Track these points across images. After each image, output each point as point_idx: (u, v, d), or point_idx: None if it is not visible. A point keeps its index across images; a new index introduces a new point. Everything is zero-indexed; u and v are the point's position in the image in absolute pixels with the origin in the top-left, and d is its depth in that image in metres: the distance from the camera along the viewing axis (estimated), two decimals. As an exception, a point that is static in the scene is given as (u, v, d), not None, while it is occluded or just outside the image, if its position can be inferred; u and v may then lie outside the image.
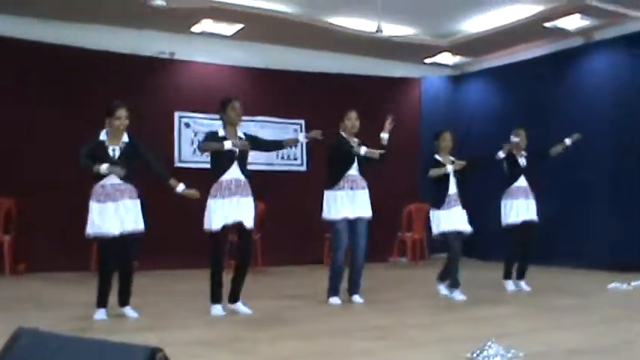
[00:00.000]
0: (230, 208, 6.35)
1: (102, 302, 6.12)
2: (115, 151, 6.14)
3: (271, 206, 10.77)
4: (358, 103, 12.00)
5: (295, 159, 11.89)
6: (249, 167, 10.65)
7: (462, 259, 7.74)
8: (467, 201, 7.76)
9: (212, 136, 6.58)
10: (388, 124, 7.41)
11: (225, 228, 6.34)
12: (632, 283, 8.28)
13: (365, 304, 7.07)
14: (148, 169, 6.32)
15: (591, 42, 10.85)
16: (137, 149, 6.25)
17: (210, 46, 11.39)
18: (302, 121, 11.93)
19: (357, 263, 7.23)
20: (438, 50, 12.15)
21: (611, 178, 10.39)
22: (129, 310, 6.28)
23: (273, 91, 11.74)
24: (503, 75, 12.33)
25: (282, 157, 11.66)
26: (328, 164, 7.32)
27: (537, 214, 8.20)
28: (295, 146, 11.22)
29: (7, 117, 9.68)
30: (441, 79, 13.27)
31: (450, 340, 5.20)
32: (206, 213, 6.39)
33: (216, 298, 6.43)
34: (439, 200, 7.61)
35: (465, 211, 7.65)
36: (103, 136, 6.18)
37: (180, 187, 6.23)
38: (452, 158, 7.82)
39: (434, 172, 7.57)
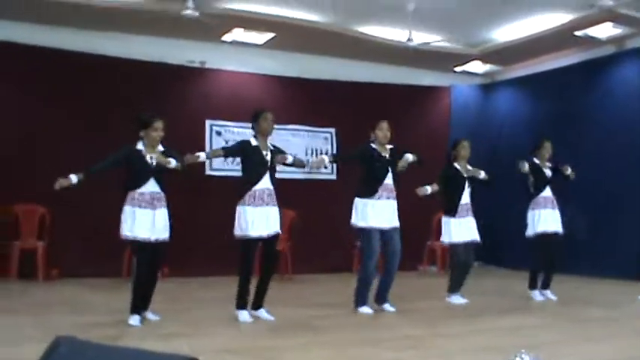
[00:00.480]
0: (263, 218, 6.43)
1: (136, 308, 6.22)
2: (152, 159, 6.26)
3: (301, 214, 10.83)
4: (388, 111, 12.10)
5: (326, 167, 11.92)
6: (279, 176, 10.86)
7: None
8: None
9: (243, 144, 6.68)
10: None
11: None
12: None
13: (395, 314, 7.09)
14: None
15: (623, 50, 10.77)
16: (171, 155, 6.35)
17: (241, 54, 11.49)
18: (332, 130, 12.01)
19: (392, 270, 7.21)
20: (469, 59, 12.14)
21: (641, 188, 10.29)
22: (150, 314, 6.41)
23: (304, 100, 11.82)
24: (533, 83, 12.28)
25: (312, 166, 11.69)
26: (362, 173, 7.28)
27: (563, 225, 8.18)
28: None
29: (42, 125, 9.88)
30: (471, 87, 13.25)
31: (478, 351, 5.21)
32: (238, 220, 6.46)
33: (243, 305, 6.50)
34: (452, 208, 7.66)
35: (474, 220, 7.77)
36: (140, 146, 6.31)
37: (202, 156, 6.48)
38: (469, 167, 7.85)
39: (420, 191, 7.67)
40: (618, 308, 7.58)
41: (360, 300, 7.12)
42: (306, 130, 11.83)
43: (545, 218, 8.09)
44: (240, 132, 11.09)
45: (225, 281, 7.51)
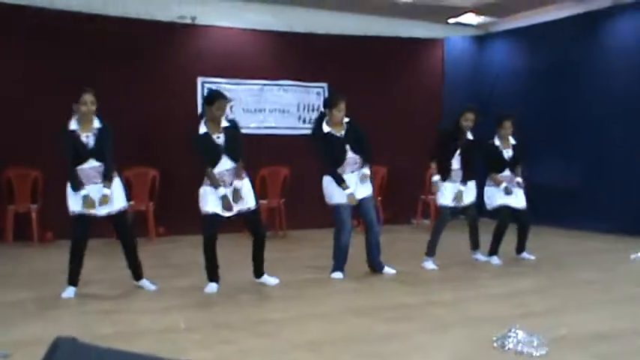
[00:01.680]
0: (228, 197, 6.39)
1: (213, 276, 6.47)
2: (88, 137, 6.20)
3: (295, 170, 10.84)
4: (380, 64, 12.12)
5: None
6: (271, 132, 10.76)
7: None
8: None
9: (199, 140, 6.46)
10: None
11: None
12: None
13: (389, 278, 7.17)
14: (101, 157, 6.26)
15: (620, 3, 10.61)
16: (102, 139, 6.23)
17: (232, 9, 11.32)
18: (325, 84, 11.89)
19: (373, 239, 7.30)
20: (462, 11, 11.96)
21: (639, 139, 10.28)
22: (147, 283, 6.56)
23: (296, 55, 11.68)
24: (528, 36, 12.12)
25: (305, 121, 11.63)
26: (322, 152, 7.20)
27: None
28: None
29: (30, 86, 9.78)
30: (465, 39, 13.07)
31: (473, 322, 5.25)
32: (200, 197, 6.43)
33: (211, 278, 6.50)
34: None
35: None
36: (73, 125, 6.21)
37: (107, 192, 6.19)
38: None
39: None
40: (611, 270, 7.63)
41: (334, 266, 7.26)
42: (297, 85, 11.72)
43: (499, 194, 7.95)
44: (233, 89, 11.02)
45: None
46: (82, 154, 6.13)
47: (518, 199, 7.98)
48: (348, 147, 7.06)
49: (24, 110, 9.72)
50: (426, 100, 12.56)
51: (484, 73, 12.90)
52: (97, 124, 6.22)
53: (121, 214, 6.36)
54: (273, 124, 11.53)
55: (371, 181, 7.24)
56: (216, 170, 6.35)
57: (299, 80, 11.71)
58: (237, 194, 6.36)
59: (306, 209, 11.00)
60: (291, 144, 11.16)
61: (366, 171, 7.11)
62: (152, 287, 6.51)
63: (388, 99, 12.13)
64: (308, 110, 11.74)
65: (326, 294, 6.45)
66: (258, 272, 6.76)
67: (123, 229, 6.47)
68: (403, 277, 7.18)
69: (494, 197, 7.99)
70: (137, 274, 6.54)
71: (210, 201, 6.34)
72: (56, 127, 9.54)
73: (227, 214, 6.39)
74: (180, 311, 5.66)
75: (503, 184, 7.88)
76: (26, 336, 4.91)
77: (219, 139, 6.35)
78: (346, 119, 7.11)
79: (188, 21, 11.04)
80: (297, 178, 10.91)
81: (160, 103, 10.55)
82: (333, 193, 7.10)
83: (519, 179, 8.01)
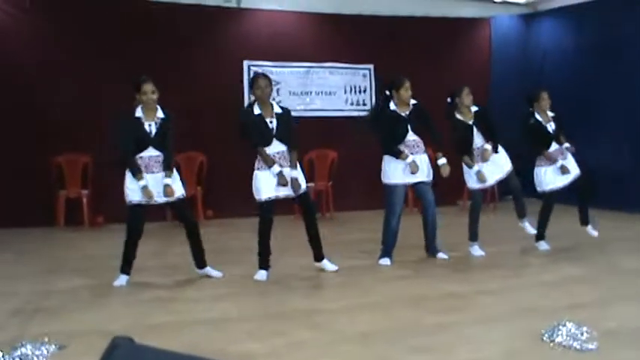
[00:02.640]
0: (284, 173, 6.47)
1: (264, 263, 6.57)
2: (151, 126, 6.28)
3: (342, 153, 10.89)
4: (427, 46, 12.06)
5: (365, 104, 11.87)
6: (318, 114, 10.76)
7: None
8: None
9: (246, 114, 6.59)
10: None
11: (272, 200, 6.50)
12: None
13: (440, 264, 7.22)
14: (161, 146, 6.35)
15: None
16: (165, 129, 6.32)
17: (277, -8, 11.35)
18: (371, 66, 11.91)
19: (429, 222, 7.36)
20: (510, -11, 11.83)
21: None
22: (212, 271, 6.66)
23: (341, 36, 11.69)
24: (576, 14, 11.91)
25: (352, 103, 11.66)
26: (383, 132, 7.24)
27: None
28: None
29: (82, 74, 9.97)
30: (512, 18, 12.91)
31: (522, 313, 5.26)
32: (254, 184, 6.51)
33: (263, 265, 6.60)
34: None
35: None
36: (138, 112, 6.28)
37: (168, 181, 6.29)
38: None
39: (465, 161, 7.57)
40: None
41: (382, 253, 7.32)
42: (344, 68, 11.73)
43: (553, 175, 7.75)
44: (279, 72, 11.08)
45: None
46: (144, 141, 6.22)
47: (571, 169, 7.74)
48: (409, 127, 7.12)
49: (73, 96, 9.89)
50: (474, 79, 12.25)
51: (532, 52, 12.75)
52: (160, 113, 6.31)
53: (180, 202, 6.44)
54: (319, 107, 11.58)
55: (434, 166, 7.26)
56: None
57: (345, 62, 11.71)
58: (296, 183, 6.46)
59: (353, 191, 11.09)
60: (338, 126, 11.21)
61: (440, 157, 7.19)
62: (218, 274, 6.60)
63: (436, 79, 11.93)
64: (355, 92, 11.76)
65: (376, 282, 6.49)
66: (318, 257, 6.84)
67: (185, 216, 6.55)
68: (452, 264, 7.21)
69: (546, 180, 7.74)
70: (202, 262, 6.58)
71: (264, 186, 6.42)
72: (106, 110, 9.90)
73: (282, 192, 6.46)
74: (233, 300, 5.77)
75: (559, 162, 7.66)
76: (81, 325, 5.05)
77: (272, 123, 6.44)
78: (413, 101, 7.18)
79: (234, 5, 11.10)
80: (344, 160, 10.96)
81: (206, 87, 10.66)
82: (393, 173, 7.14)
83: (567, 145, 7.81)
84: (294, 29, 11.40)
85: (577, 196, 7.97)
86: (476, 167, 7.50)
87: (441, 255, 7.41)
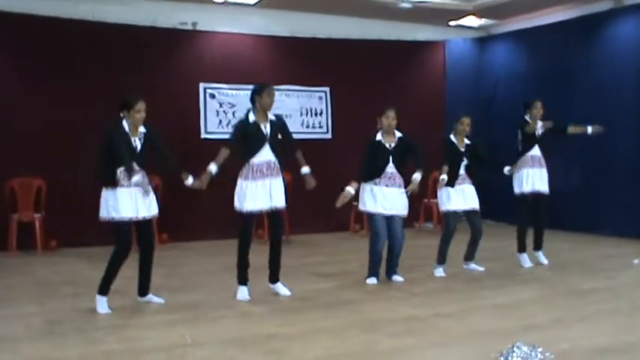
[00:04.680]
0: (263, 192, 6.51)
1: (243, 278, 6.62)
2: (136, 142, 6.23)
3: (297, 175, 10.81)
4: (382, 68, 12.13)
5: (321, 127, 11.88)
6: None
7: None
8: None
9: (242, 126, 6.63)
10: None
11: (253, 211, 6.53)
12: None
13: (397, 287, 7.25)
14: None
15: (621, 6, 10.63)
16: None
17: (233, 15, 11.31)
18: (327, 89, 11.92)
19: (394, 252, 7.51)
20: (464, 13, 11.97)
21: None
22: (154, 298, 6.52)
23: (297, 59, 11.70)
24: (529, 37, 12.16)
25: (308, 126, 11.67)
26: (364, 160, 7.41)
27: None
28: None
29: (33, 96, 9.80)
30: (466, 41, 13.10)
31: (478, 336, 5.28)
32: (237, 193, 6.54)
33: (242, 280, 6.64)
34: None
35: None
36: (126, 127, 6.22)
37: (190, 181, 6.38)
38: (467, 141, 7.93)
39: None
40: (614, 278, 7.64)
41: (369, 272, 7.45)
42: (300, 90, 11.73)
43: (532, 177, 8.14)
44: (234, 94, 11.05)
45: (225, 245, 7.45)
46: (132, 156, 6.14)
47: (543, 182, 8.16)
48: (391, 160, 7.25)
49: (25, 120, 9.73)
50: (428, 102, 12.57)
51: (485, 75, 12.96)
52: (142, 128, 6.27)
53: (149, 222, 6.38)
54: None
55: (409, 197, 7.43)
56: (257, 160, 6.49)
57: (301, 85, 11.73)
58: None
59: (308, 214, 11.05)
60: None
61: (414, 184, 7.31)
62: (160, 300, 6.50)
63: (390, 102, 11.98)
64: (311, 115, 11.76)
65: (333, 305, 6.45)
66: (274, 278, 6.82)
67: (148, 237, 6.44)
68: (409, 287, 7.22)
69: (523, 183, 8.14)
70: (146, 289, 6.48)
71: (249, 198, 6.44)
72: (59, 133, 9.75)
73: (261, 204, 6.49)
74: (186, 325, 5.67)
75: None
76: (33, 354, 4.93)
77: (266, 128, 6.53)
78: (399, 134, 7.33)
79: (189, 27, 11.06)
80: (298, 182, 10.89)
81: (162, 109, 10.52)
82: (368, 202, 7.31)
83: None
84: (250, 52, 11.38)
85: (534, 220, 8.16)
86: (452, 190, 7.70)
87: (395, 277, 7.50)
